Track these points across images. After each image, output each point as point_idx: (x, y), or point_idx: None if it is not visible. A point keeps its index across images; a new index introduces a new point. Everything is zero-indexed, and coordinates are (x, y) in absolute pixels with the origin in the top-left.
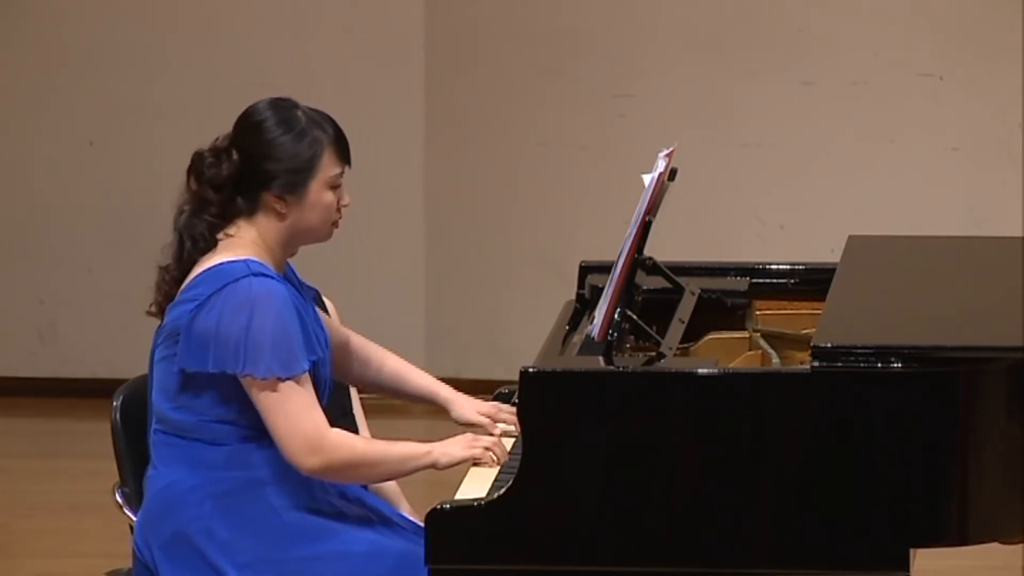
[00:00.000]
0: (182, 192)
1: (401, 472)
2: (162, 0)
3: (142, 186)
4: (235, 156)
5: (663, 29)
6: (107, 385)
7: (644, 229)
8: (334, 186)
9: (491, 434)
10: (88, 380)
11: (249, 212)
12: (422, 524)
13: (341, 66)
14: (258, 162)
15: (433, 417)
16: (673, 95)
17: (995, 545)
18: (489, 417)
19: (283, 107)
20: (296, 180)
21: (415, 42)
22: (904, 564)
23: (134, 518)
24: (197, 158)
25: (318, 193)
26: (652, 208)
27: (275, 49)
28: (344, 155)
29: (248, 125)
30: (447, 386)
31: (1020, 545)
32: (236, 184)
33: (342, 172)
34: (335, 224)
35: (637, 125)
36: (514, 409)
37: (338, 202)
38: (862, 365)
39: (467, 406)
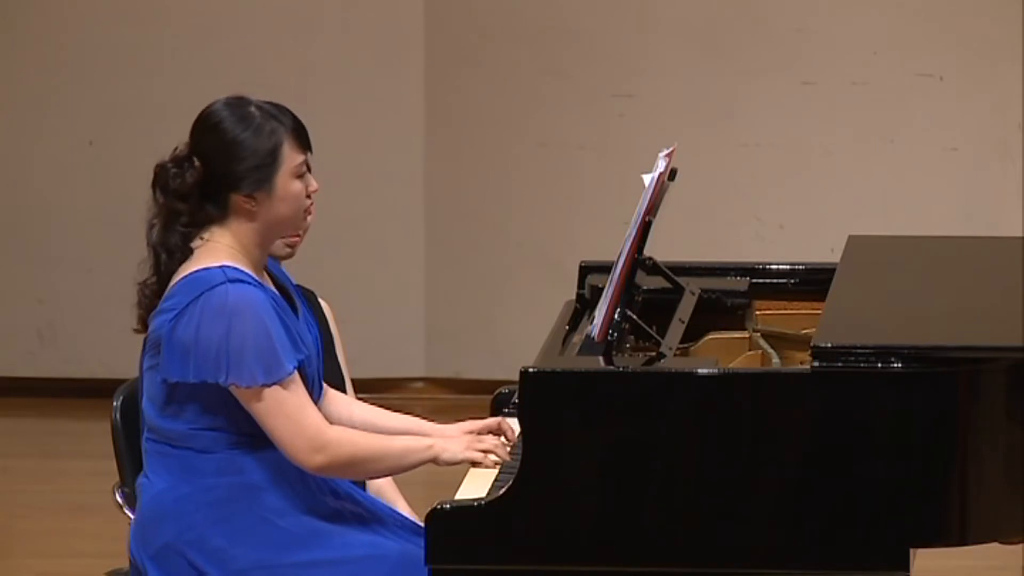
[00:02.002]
0: (150, 206)
1: (402, 466)
2: (162, 0)
3: (142, 186)
4: (197, 163)
5: (663, 29)
6: (107, 385)
7: (644, 229)
8: (299, 175)
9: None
10: (88, 380)
11: (221, 217)
12: (421, 523)
13: (341, 66)
14: (222, 165)
15: (433, 417)
16: (673, 95)
17: (995, 545)
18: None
19: (237, 105)
20: (261, 176)
21: (415, 42)
22: (904, 564)
23: (134, 518)
24: (160, 170)
25: (285, 185)
26: (652, 208)
27: (275, 49)
28: (304, 142)
29: (205, 128)
30: (426, 422)
31: (1020, 545)
32: (202, 190)
33: (305, 159)
34: (307, 211)
35: (637, 125)
36: (493, 423)
37: (307, 189)
38: (862, 365)
39: (452, 432)
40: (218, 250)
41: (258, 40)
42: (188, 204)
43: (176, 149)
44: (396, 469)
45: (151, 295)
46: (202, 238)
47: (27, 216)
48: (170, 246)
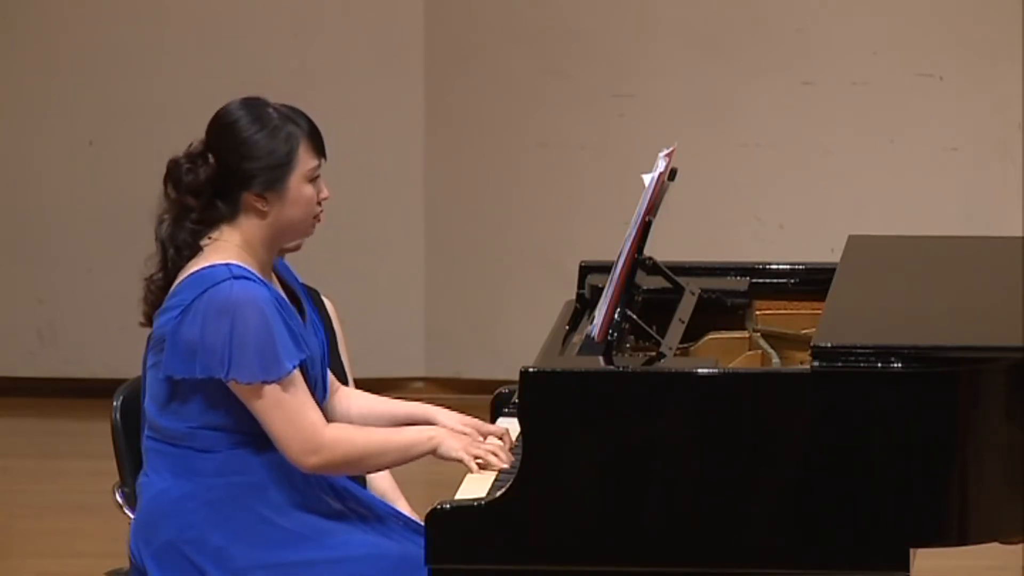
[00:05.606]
0: (160, 201)
1: (404, 460)
2: (161, 0)
3: (142, 186)
4: (211, 159)
5: (663, 29)
6: (107, 385)
7: (644, 229)
8: (312, 179)
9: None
10: (88, 380)
11: (231, 215)
12: (422, 523)
13: (341, 66)
14: (235, 163)
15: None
16: (673, 95)
17: (995, 545)
18: (474, 429)
19: (254, 105)
20: (274, 176)
21: (415, 42)
22: (904, 564)
23: (134, 517)
24: (173, 165)
25: (297, 188)
26: (652, 208)
27: (275, 49)
28: (319, 148)
29: (221, 126)
30: (429, 406)
31: (1020, 545)
32: (215, 188)
33: (319, 165)
34: (317, 218)
35: (637, 125)
36: (499, 430)
37: (318, 195)
38: (862, 365)
39: (452, 417)
40: (226, 248)
41: (258, 40)
42: (199, 201)
43: (190, 145)
44: (398, 462)
45: (157, 291)
46: (211, 237)
47: (27, 216)
48: (179, 242)
